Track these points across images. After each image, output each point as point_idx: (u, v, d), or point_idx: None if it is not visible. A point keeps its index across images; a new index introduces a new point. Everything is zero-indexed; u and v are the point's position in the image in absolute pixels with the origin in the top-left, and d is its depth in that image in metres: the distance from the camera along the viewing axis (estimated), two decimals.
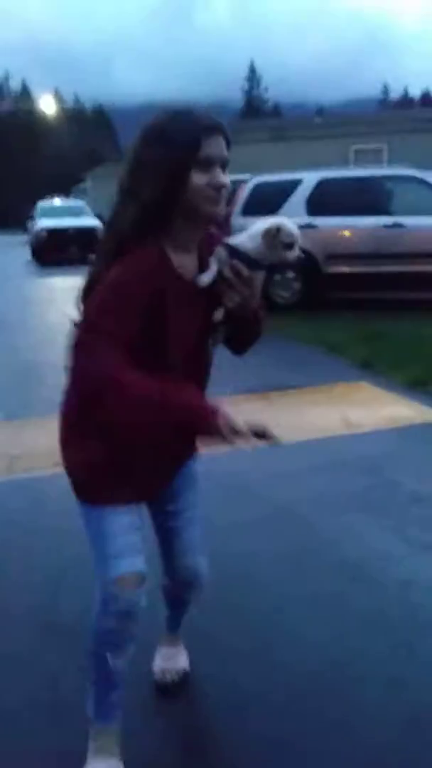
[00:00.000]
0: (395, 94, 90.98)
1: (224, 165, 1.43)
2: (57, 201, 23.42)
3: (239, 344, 1.66)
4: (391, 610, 2.30)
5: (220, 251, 1.50)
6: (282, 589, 2.44)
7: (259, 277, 1.53)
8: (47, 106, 45.78)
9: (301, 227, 6.06)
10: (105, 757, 1.61)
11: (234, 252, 1.50)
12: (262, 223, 1.51)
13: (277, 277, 8.60)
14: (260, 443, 1.36)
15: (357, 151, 14.96)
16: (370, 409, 4.55)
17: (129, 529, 1.54)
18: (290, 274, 8.57)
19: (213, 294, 1.51)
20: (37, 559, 2.74)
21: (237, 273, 1.47)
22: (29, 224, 21.74)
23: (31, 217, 20.88)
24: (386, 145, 14.55)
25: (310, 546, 2.75)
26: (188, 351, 1.51)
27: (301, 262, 1.59)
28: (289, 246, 1.52)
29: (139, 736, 1.75)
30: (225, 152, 1.43)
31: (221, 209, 1.45)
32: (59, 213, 19.71)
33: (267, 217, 1.54)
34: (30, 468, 3.67)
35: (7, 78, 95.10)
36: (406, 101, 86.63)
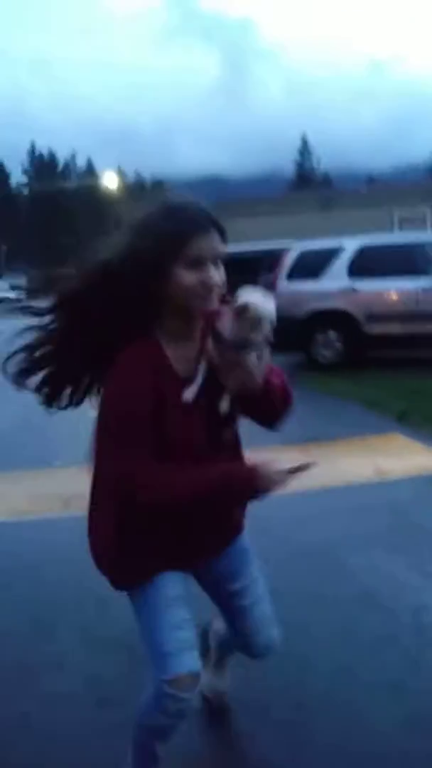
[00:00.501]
0: None
1: (217, 261, 1.41)
2: None
3: (266, 420, 1.61)
4: (403, 632, 2.51)
5: (209, 343, 1.47)
6: (301, 618, 2.67)
7: (249, 357, 1.44)
8: (110, 181, 48.51)
9: (343, 290, 6.62)
10: None
11: (217, 338, 1.46)
12: (262, 299, 1.45)
13: (320, 336, 8.97)
14: (299, 475, 1.47)
15: (401, 219, 15.51)
16: (401, 458, 4.77)
17: (179, 606, 1.53)
18: (332, 334, 8.94)
19: (213, 386, 1.48)
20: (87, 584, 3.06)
21: (225, 359, 1.44)
22: None
23: None
24: (429, 211, 14.98)
25: (331, 579, 2.97)
26: (202, 444, 1.50)
27: (270, 342, 1.47)
28: (256, 324, 1.42)
29: None
30: (218, 249, 1.41)
31: (213, 305, 1.43)
32: None
33: (247, 292, 1.46)
34: (83, 506, 4.03)
35: (73, 156, 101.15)
36: None
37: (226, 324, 1.44)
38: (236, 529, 1.70)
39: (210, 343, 1.46)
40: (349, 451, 5.00)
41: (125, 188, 77.75)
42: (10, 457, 5.16)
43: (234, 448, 1.61)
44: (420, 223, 15.33)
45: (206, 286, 1.39)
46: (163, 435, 1.43)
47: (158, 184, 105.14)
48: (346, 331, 8.91)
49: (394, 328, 8.65)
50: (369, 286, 8.77)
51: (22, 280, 70.39)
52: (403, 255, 8.96)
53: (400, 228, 13.98)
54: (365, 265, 8.89)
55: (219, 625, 1.90)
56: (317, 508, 3.76)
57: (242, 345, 1.42)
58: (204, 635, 1.96)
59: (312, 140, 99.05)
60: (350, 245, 9.16)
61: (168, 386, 1.43)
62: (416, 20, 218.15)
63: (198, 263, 1.38)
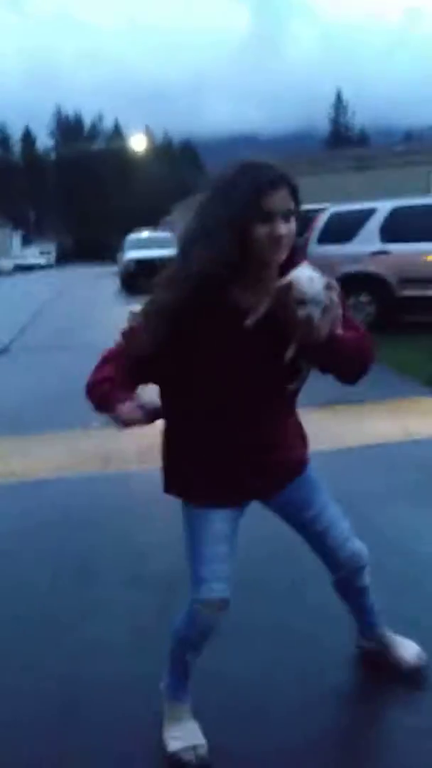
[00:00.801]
0: None
1: (288, 216, 1.50)
2: (145, 233, 24.61)
3: (340, 375, 1.65)
4: (424, 575, 2.67)
5: (276, 290, 1.50)
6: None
7: (315, 311, 1.45)
8: (138, 143, 48.17)
9: (375, 253, 6.67)
10: (181, 723, 1.86)
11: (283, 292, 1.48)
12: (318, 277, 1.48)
13: (351, 300, 9.00)
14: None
15: None
16: (428, 420, 4.88)
17: (220, 543, 1.71)
18: (363, 298, 8.96)
19: (276, 333, 1.53)
20: (126, 534, 3.28)
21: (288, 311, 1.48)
22: (118, 256, 22.96)
23: (121, 249, 22.06)
24: None
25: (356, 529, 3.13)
26: (242, 388, 1.61)
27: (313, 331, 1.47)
28: (301, 303, 1.45)
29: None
30: (289, 204, 1.50)
31: (282, 255, 1.52)
32: (147, 244, 20.73)
33: (300, 269, 1.49)
34: (120, 465, 4.25)
35: (100, 118, 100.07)
36: None
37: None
38: (287, 471, 1.79)
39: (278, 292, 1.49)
40: (376, 412, 5.12)
41: (153, 149, 77.25)
42: (51, 420, 5.40)
43: (289, 406, 1.74)
44: None
45: (273, 238, 1.49)
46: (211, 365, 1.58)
47: (187, 144, 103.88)
48: (378, 294, 8.92)
49: (427, 291, 8.63)
50: (401, 248, 8.74)
51: (51, 246, 70.94)
52: None
53: None
54: (397, 227, 8.83)
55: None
56: (343, 465, 3.90)
57: (302, 302, 1.45)
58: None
59: (347, 94, 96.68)
60: (382, 207, 9.10)
61: (222, 314, 1.56)
62: None
63: (270, 217, 1.48)
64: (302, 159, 26.45)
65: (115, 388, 1.60)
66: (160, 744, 1.85)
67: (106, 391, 1.60)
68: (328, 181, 18.31)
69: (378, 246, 8.83)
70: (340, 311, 1.50)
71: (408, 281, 8.70)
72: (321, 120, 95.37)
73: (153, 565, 2.90)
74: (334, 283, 1.51)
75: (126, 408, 1.58)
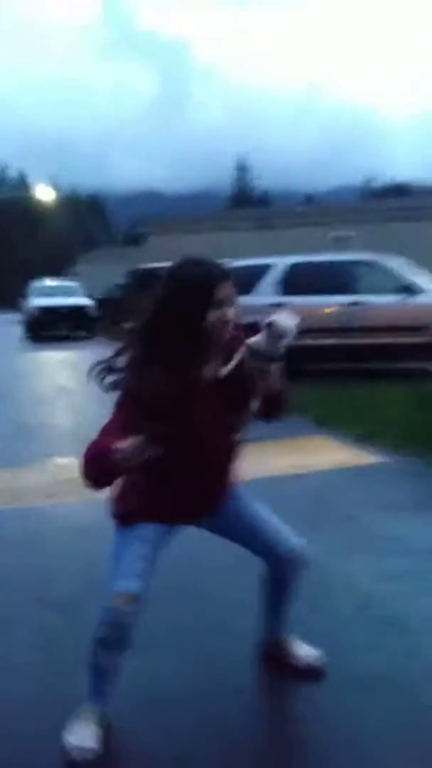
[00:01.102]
0: (380, 181, 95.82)
1: (231, 302, 1.85)
2: (49, 281, 24.60)
3: (273, 414, 2.05)
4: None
5: (243, 351, 1.88)
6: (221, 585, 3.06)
7: (274, 366, 1.89)
8: (44, 193, 48.41)
9: (272, 305, 7.17)
10: (85, 724, 1.94)
11: (250, 350, 1.88)
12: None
13: None
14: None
15: (335, 238, 16.30)
16: (321, 455, 5.26)
17: (146, 546, 1.92)
18: None
19: (236, 389, 1.89)
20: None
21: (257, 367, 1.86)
22: (22, 303, 22.81)
23: (24, 296, 21.95)
24: (359, 233, 15.81)
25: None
26: (221, 439, 1.93)
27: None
28: (279, 337, 1.87)
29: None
30: (233, 292, 1.86)
31: (228, 334, 1.86)
32: (52, 292, 20.77)
33: (277, 313, 1.89)
34: (25, 501, 4.34)
35: (4, 168, 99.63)
36: (389, 190, 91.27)
37: (258, 341, 1.88)
38: (221, 494, 2.07)
39: (243, 353, 1.88)
40: (271, 449, 5.44)
41: (60, 201, 77.51)
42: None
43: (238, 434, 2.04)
44: (350, 243, 16.17)
45: (225, 321, 1.83)
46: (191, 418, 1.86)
47: (94, 198, 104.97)
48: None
49: (322, 341, 9.23)
50: (297, 301, 9.33)
51: None
52: (331, 272, 9.60)
53: (334, 248, 14.68)
54: (294, 281, 9.46)
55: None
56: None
57: (271, 356, 1.88)
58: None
59: (250, 158, 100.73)
60: (280, 263, 9.73)
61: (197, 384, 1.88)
62: (349, 45, 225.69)
63: (221, 304, 1.82)
64: (207, 217, 27.55)
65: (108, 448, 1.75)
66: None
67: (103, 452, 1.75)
68: (230, 239, 19.17)
69: (276, 298, 9.39)
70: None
71: (305, 331, 9.24)
72: (225, 181, 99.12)
73: (58, 587, 3.02)
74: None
75: (126, 443, 1.70)
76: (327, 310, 9.22)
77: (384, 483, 4.55)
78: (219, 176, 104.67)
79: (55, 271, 43.75)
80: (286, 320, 1.88)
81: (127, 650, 1.96)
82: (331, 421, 6.33)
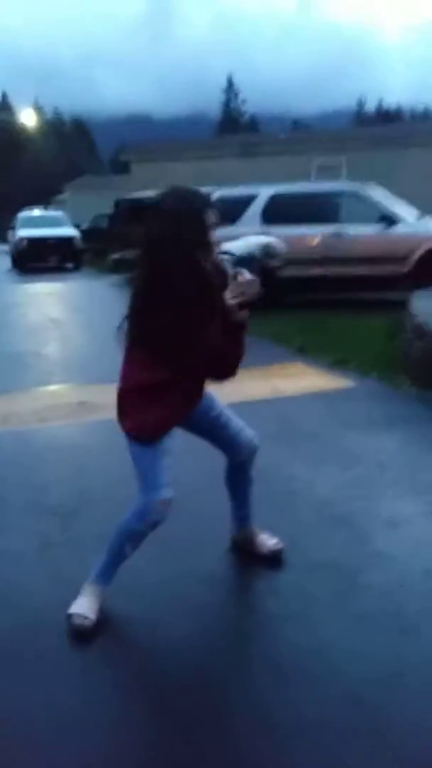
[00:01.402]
0: (371, 106, 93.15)
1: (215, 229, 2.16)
2: (36, 212, 24.36)
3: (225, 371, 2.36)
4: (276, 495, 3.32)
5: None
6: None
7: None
8: (28, 118, 46.88)
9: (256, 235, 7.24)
10: (90, 598, 2.29)
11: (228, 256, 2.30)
12: (257, 238, 2.34)
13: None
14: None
15: (319, 167, 16.19)
16: (295, 381, 5.61)
17: (169, 456, 2.27)
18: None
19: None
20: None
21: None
22: (9, 234, 22.64)
23: (12, 228, 21.78)
24: (345, 161, 15.71)
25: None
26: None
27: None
28: (273, 255, 2.43)
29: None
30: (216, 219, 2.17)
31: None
32: (39, 223, 20.63)
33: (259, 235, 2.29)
34: (18, 423, 4.68)
35: None
36: (379, 115, 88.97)
37: (237, 245, 2.40)
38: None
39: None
40: (251, 376, 5.77)
41: (44, 126, 75.06)
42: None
43: None
44: (337, 172, 16.05)
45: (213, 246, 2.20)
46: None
47: (79, 122, 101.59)
48: (258, 273, 9.62)
49: (304, 272, 9.44)
50: (280, 231, 9.48)
51: None
52: (313, 202, 9.72)
53: (317, 177, 14.61)
54: (277, 211, 9.59)
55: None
56: None
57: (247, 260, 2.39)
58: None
59: (239, 80, 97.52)
60: (263, 192, 9.82)
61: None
62: None
63: (209, 229, 2.13)
64: (192, 144, 27.02)
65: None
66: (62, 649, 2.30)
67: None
68: (215, 166, 18.94)
69: (259, 228, 9.53)
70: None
71: (287, 263, 9.46)
72: (213, 104, 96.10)
73: (52, 496, 3.39)
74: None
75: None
76: (312, 242, 9.40)
77: (349, 405, 4.91)
78: (207, 99, 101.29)
79: (41, 200, 42.96)
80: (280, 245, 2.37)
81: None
82: (310, 350, 6.65)
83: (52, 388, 5.63)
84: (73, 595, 2.34)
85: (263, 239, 2.38)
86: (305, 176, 14.97)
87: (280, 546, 2.70)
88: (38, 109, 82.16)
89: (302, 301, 9.48)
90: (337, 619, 2.32)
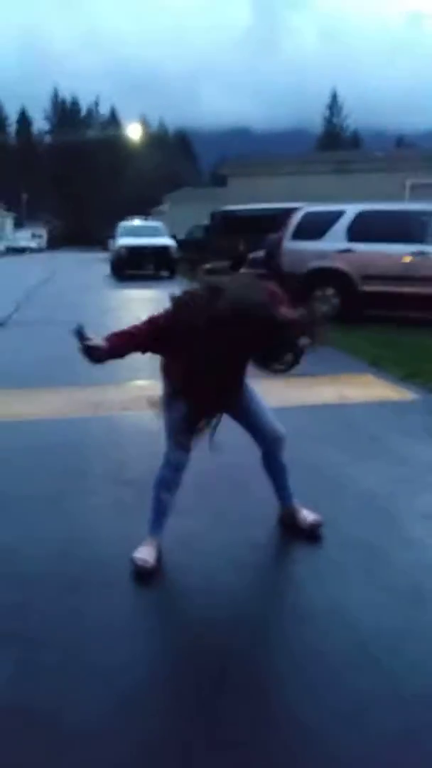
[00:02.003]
0: None
1: None
2: (136, 221, 25.49)
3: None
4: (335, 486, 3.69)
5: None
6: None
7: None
8: (134, 132, 49.06)
9: (341, 251, 8.14)
10: (149, 546, 2.79)
11: None
12: None
13: (318, 292, 10.04)
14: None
15: (412, 186, 16.24)
16: (362, 390, 5.92)
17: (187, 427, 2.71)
18: (329, 291, 10.01)
19: None
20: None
21: None
22: (110, 242, 23.83)
23: (112, 236, 22.94)
24: None
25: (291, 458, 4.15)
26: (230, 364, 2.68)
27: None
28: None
29: None
30: None
31: None
32: (138, 233, 21.66)
33: None
34: (107, 411, 5.25)
35: (96, 103, 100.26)
36: None
37: None
38: (233, 396, 2.82)
39: None
40: (322, 383, 6.15)
41: (148, 138, 77.68)
42: (46, 378, 6.38)
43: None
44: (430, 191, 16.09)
45: None
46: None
47: (182, 135, 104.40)
48: (342, 288, 9.96)
49: (386, 288, 9.67)
50: (364, 248, 9.78)
51: (42, 230, 71.16)
52: (398, 221, 9.94)
53: (411, 196, 14.74)
54: (363, 229, 9.88)
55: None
56: (288, 417, 4.89)
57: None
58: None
59: (343, 94, 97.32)
60: (351, 210, 10.13)
61: None
62: None
63: None
64: (289, 160, 27.49)
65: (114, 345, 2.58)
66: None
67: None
68: (310, 182, 19.33)
69: (344, 245, 9.87)
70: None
71: (369, 278, 9.74)
72: (315, 118, 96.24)
73: (130, 471, 3.90)
74: None
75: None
76: (395, 260, 9.62)
77: (409, 415, 5.18)
78: (310, 113, 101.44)
79: (142, 211, 44.62)
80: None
81: (176, 491, 2.84)
82: (381, 363, 6.92)
83: (138, 382, 6.19)
84: (138, 544, 2.82)
85: None
86: (400, 194, 15.10)
87: (319, 522, 3.08)
88: (144, 122, 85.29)
89: (382, 317, 9.70)
90: (360, 587, 2.68)
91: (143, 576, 2.72)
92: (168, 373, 2.81)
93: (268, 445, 3.00)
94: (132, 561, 2.76)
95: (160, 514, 2.87)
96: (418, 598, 2.59)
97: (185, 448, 2.80)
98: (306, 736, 1.91)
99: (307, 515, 3.11)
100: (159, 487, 2.86)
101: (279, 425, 2.99)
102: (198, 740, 1.89)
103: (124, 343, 2.61)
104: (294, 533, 3.10)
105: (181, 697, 2.08)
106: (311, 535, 3.07)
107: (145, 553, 2.78)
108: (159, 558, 2.81)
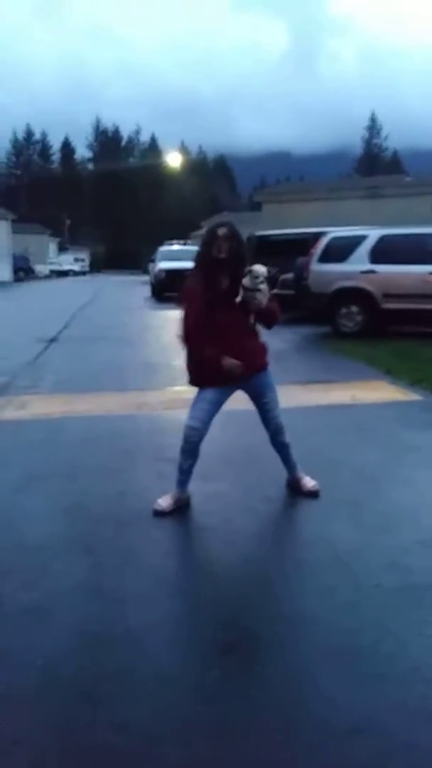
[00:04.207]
0: None
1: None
2: (175, 246, 26.65)
3: (270, 324, 3.61)
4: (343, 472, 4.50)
5: (243, 282, 3.40)
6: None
7: (257, 293, 3.39)
8: (173, 160, 50.81)
9: (364, 272, 9.31)
10: (172, 497, 3.67)
11: (243, 287, 3.39)
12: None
13: (343, 310, 10.87)
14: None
15: None
16: (374, 393, 6.71)
17: (210, 404, 3.54)
18: (354, 308, 10.82)
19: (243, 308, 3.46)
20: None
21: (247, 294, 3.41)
22: (150, 266, 25.01)
23: (152, 260, 24.10)
24: None
25: (300, 444, 4.98)
26: (236, 328, 3.51)
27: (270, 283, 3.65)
28: (256, 278, 3.36)
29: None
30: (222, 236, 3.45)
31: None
32: (177, 256, 22.69)
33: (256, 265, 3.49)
34: (150, 410, 6.16)
35: (137, 132, 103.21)
36: None
37: (246, 281, 3.42)
38: (260, 366, 3.65)
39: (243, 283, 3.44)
40: (337, 388, 6.96)
41: (188, 164, 79.64)
42: (97, 384, 7.34)
43: (255, 332, 3.66)
44: None
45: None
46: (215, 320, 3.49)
47: (221, 161, 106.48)
48: (365, 306, 10.76)
49: (405, 305, 10.44)
50: (385, 269, 10.57)
51: (85, 254, 73.31)
52: (418, 244, 10.71)
53: None
54: (384, 251, 10.68)
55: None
56: (306, 416, 5.74)
57: (254, 288, 3.41)
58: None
59: (383, 115, 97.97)
60: (373, 234, 10.96)
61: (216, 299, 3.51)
62: None
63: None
64: (321, 186, 28.47)
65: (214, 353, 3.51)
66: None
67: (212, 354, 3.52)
68: (341, 207, 20.20)
69: (367, 266, 10.68)
70: (266, 295, 3.45)
71: (390, 296, 10.53)
72: (354, 141, 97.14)
73: (169, 452, 4.77)
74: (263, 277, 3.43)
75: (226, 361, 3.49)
76: (414, 280, 10.38)
77: (412, 412, 5.96)
78: (349, 136, 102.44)
79: (182, 234, 45.98)
80: (260, 268, 3.39)
81: (194, 459, 3.69)
82: (395, 372, 7.70)
83: (176, 387, 7.09)
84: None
85: (262, 269, 3.40)
86: (426, 219, 15.83)
87: (317, 487, 3.91)
88: (183, 149, 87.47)
89: (402, 333, 10.46)
90: (341, 525, 3.50)
91: (158, 515, 3.63)
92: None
93: (272, 430, 3.82)
94: (154, 505, 3.68)
95: (181, 473, 3.72)
96: (388, 528, 3.41)
97: (199, 422, 3.59)
98: (307, 622, 2.74)
99: (308, 482, 3.93)
100: (180, 454, 3.71)
101: (280, 420, 3.80)
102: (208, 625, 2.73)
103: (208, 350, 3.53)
104: (296, 494, 3.94)
105: (189, 595, 2.93)
106: (310, 495, 3.90)
107: (162, 500, 3.69)
108: (180, 507, 3.69)
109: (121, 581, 2.94)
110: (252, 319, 3.57)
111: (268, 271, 3.46)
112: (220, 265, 3.50)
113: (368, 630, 2.53)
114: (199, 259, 3.59)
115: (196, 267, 3.60)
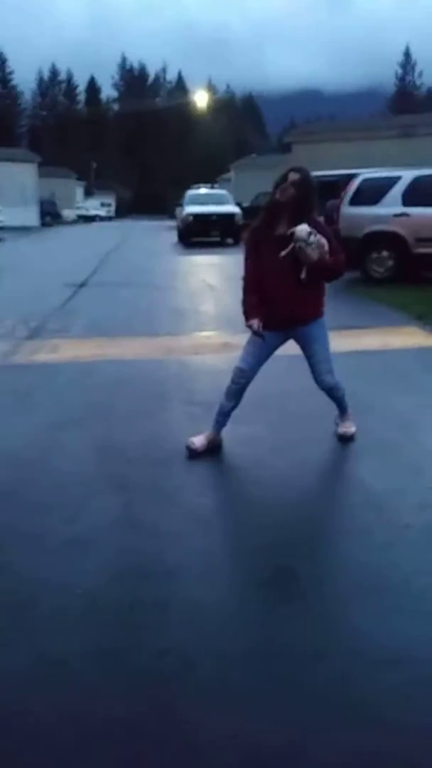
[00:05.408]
0: None
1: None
2: (203, 190, 26.22)
3: (326, 279, 3.56)
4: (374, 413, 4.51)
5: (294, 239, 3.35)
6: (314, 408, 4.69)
7: (309, 249, 3.32)
8: (200, 99, 49.36)
9: (397, 215, 9.14)
10: (205, 436, 3.73)
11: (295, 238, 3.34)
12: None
13: (374, 255, 10.67)
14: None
15: None
16: (404, 338, 6.65)
17: (261, 348, 3.58)
18: (385, 253, 10.62)
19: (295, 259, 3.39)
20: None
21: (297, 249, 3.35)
22: (177, 210, 24.67)
23: (179, 204, 23.77)
24: None
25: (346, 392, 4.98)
26: (282, 276, 3.48)
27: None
28: (299, 240, 3.31)
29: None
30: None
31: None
32: (204, 200, 22.39)
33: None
34: (179, 354, 6.20)
35: (164, 69, 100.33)
36: None
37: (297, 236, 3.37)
38: (305, 317, 3.61)
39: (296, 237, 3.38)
40: (369, 334, 6.91)
41: (215, 103, 77.41)
42: (127, 329, 7.38)
43: (316, 286, 3.60)
44: None
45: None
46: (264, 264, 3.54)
47: (249, 100, 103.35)
48: (397, 250, 10.55)
49: None
50: (419, 212, 10.30)
51: (111, 198, 72.41)
52: None
53: None
54: (418, 193, 10.39)
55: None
56: (342, 361, 5.70)
57: (304, 242, 3.36)
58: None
59: (417, 52, 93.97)
60: (407, 175, 10.64)
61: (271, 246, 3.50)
62: None
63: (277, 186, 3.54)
64: (353, 126, 27.55)
65: (254, 309, 3.58)
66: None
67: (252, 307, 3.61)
68: (376, 147, 19.59)
69: (400, 209, 10.41)
70: (322, 248, 3.39)
71: (423, 240, 10.29)
72: (388, 79, 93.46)
73: (198, 396, 4.82)
74: (316, 234, 3.37)
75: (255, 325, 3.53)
76: None
77: None
78: (382, 73, 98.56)
79: (209, 177, 45.15)
80: (301, 231, 3.33)
81: (237, 402, 3.73)
82: (426, 317, 7.60)
83: (205, 333, 7.11)
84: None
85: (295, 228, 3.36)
86: None
87: (348, 433, 3.94)
88: (211, 88, 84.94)
89: None
90: (371, 462, 3.53)
91: (191, 453, 3.70)
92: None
93: (321, 388, 3.84)
94: (188, 444, 3.74)
95: (222, 416, 3.77)
96: (416, 470, 3.44)
97: (248, 364, 3.64)
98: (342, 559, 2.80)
99: (345, 427, 3.96)
100: (224, 395, 3.75)
101: (329, 378, 3.78)
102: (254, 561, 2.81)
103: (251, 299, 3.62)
104: (343, 448, 3.97)
105: (224, 532, 3.00)
106: (342, 438, 3.93)
107: (197, 439, 3.74)
108: (212, 448, 3.76)
109: (156, 518, 3.02)
110: (303, 272, 3.44)
111: (310, 233, 3.33)
112: (281, 208, 3.46)
113: (400, 567, 2.58)
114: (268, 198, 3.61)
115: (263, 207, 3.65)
